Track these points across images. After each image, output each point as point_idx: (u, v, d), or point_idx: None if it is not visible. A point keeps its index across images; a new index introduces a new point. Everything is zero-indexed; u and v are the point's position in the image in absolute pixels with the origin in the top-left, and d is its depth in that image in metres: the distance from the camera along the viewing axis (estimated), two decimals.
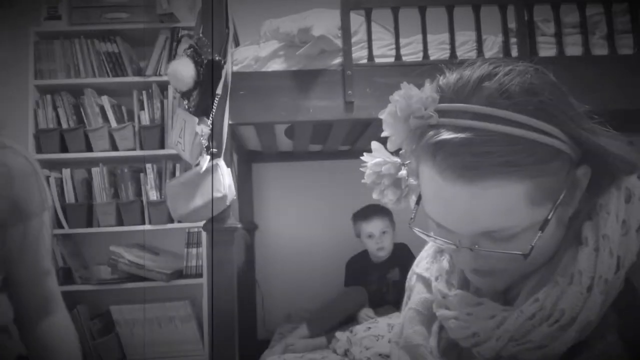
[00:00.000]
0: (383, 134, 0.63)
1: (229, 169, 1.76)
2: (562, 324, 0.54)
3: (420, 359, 0.65)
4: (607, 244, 0.55)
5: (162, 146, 2.59)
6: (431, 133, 0.56)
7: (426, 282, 0.71)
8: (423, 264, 0.74)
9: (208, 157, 1.68)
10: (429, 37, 1.90)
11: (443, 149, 0.54)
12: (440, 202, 0.56)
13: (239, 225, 1.82)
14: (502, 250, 0.56)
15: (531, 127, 0.53)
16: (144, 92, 2.62)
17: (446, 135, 0.54)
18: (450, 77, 0.60)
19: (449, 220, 0.57)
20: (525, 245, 0.55)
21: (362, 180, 0.71)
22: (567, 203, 0.57)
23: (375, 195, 0.70)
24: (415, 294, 0.72)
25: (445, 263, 0.70)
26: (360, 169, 0.71)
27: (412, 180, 0.68)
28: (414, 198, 0.68)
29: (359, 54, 1.88)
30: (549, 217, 0.55)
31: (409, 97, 0.58)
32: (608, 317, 0.55)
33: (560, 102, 0.56)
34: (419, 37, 1.90)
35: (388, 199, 0.69)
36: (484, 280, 0.61)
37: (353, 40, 1.87)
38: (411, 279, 0.76)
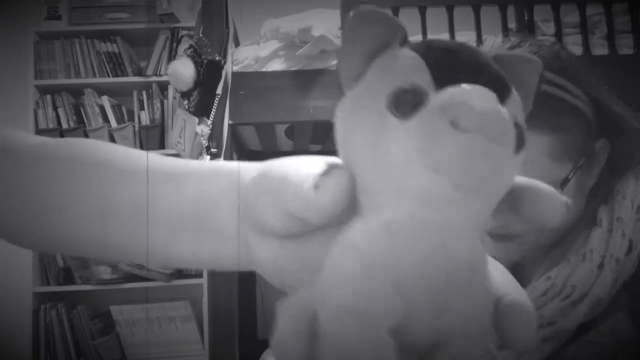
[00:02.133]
0: None
1: None
2: (573, 300, 0.56)
3: None
4: (620, 226, 0.57)
5: (162, 146, 2.59)
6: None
7: None
8: None
9: (208, 157, 1.68)
10: (429, 37, 1.90)
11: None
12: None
13: None
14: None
15: (554, 83, 0.57)
16: (144, 92, 2.62)
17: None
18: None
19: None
20: None
21: None
22: (586, 171, 0.60)
23: None
24: None
25: None
26: None
27: None
28: None
29: None
30: (569, 177, 0.58)
31: None
32: (620, 297, 0.56)
33: (583, 70, 0.61)
34: (419, 37, 1.90)
35: None
36: (500, 246, 0.61)
37: None
38: None
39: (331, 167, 0.27)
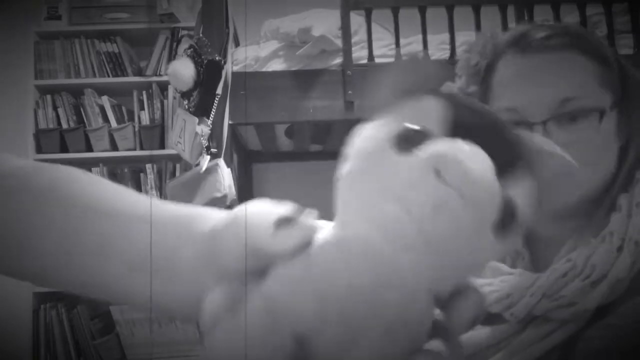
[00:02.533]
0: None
1: (229, 169, 1.76)
2: (593, 280, 0.57)
3: None
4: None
5: (162, 146, 2.59)
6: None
7: None
8: None
9: (208, 157, 1.68)
10: (429, 37, 1.90)
11: (522, 38, 0.65)
12: (518, 82, 0.65)
13: None
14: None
15: (588, 33, 0.68)
16: (144, 92, 2.62)
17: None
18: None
19: (524, 98, 0.63)
20: (597, 138, 0.62)
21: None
22: (621, 114, 0.64)
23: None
24: None
25: None
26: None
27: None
28: None
29: (359, 54, 1.88)
30: (609, 108, 0.62)
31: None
32: (638, 281, 0.58)
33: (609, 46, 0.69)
34: (419, 37, 1.90)
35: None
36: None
37: (353, 40, 1.87)
38: None
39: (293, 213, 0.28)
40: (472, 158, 0.25)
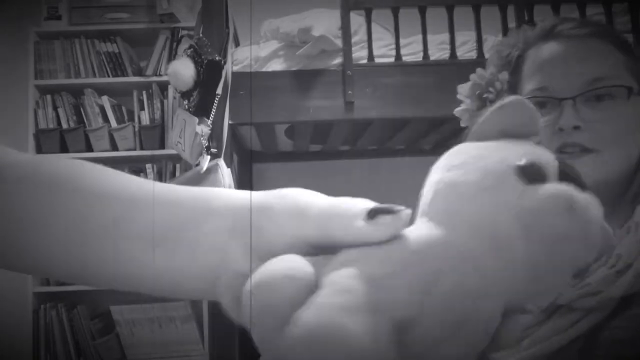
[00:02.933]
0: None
1: (229, 169, 1.76)
2: (619, 269, 0.59)
3: None
4: None
5: (162, 146, 2.59)
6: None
7: None
8: None
9: (208, 157, 1.68)
10: (429, 37, 1.90)
11: (552, 29, 0.69)
12: (549, 64, 0.68)
13: None
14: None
15: (612, 31, 0.72)
16: (144, 92, 2.62)
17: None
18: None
19: (557, 78, 0.67)
20: (624, 116, 0.64)
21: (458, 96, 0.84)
22: None
23: (461, 112, 0.83)
24: None
25: None
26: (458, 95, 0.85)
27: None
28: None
29: (359, 54, 1.88)
30: (637, 91, 0.65)
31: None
32: None
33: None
34: (419, 37, 1.90)
35: (489, 96, 0.80)
36: (577, 162, 0.64)
37: (353, 40, 1.87)
38: None
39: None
40: (594, 203, 0.29)
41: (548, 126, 0.66)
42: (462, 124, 0.83)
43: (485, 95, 0.79)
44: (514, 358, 0.61)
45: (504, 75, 0.77)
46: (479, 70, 0.81)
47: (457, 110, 0.84)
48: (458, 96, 0.83)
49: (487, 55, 1.89)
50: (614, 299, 0.58)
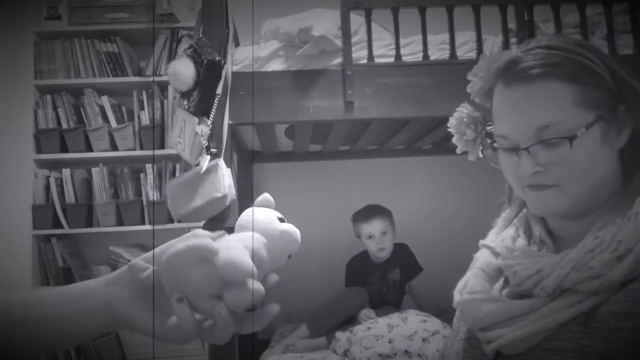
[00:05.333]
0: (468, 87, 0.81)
1: (229, 169, 1.76)
2: (620, 254, 0.63)
3: (477, 307, 0.72)
4: None
5: (162, 146, 2.59)
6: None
7: (492, 251, 0.81)
8: (490, 238, 0.85)
9: (208, 157, 1.67)
10: (429, 37, 1.90)
11: (511, 66, 0.71)
12: (505, 112, 0.71)
13: None
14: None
15: (579, 53, 0.69)
16: (144, 92, 2.62)
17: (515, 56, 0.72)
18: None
19: (510, 127, 0.70)
20: (578, 154, 0.66)
21: (448, 128, 0.88)
22: (610, 124, 0.69)
23: (456, 141, 0.87)
24: (481, 258, 0.82)
25: (510, 231, 0.80)
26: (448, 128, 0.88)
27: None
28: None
29: (359, 54, 1.88)
30: (593, 121, 0.67)
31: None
32: None
33: (603, 53, 0.72)
34: (419, 37, 1.90)
35: (468, 137, 0.84)
36: (542, 195, 0.70)
37: (353, 40, 1.87)
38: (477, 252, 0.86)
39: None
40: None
41: (514, 169, 0.71)
42: (458, 152, 0.88)
43: (466, 137, 0.85)
44: (519, 332, 0.65)
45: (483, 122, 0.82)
46: (462, 107, 0.86)
47: (453, 140, 0.89)
48: (448, 130, 0.88)
49: None
50: (616, 283, 0.62)
